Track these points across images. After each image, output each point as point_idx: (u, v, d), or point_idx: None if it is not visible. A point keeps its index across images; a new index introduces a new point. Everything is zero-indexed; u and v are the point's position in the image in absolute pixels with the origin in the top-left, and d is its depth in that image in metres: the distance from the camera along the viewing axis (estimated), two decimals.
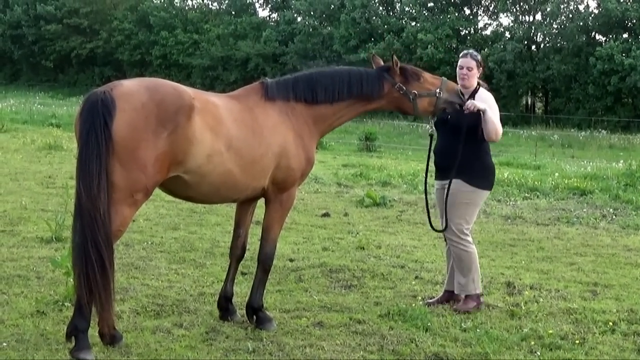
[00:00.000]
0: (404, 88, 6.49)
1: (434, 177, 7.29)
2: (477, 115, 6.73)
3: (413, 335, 6.27)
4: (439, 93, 6.54)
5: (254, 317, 6.39)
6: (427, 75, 6.65)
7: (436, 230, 7.32)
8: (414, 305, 7.03)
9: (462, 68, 7.00)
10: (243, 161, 5.85)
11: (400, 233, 10.81)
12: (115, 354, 5.58)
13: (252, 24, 54.82)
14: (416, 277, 8.16)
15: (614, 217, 12.70)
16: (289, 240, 9.77)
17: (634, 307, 7.24)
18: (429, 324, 6.51)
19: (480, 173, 6.92)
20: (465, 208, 6.87)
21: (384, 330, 6.39)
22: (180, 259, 8.65)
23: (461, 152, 6.75)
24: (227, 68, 53.56)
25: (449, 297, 7.14)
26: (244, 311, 6.53)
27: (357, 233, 10.59)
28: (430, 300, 7.12)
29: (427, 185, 7.68)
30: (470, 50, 7.26)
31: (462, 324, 6.58)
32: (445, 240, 7.23)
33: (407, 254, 9.36)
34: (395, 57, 6.55)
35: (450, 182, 6.87)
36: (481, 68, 7.06)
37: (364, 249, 9.54)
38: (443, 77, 6.72)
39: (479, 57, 7.10)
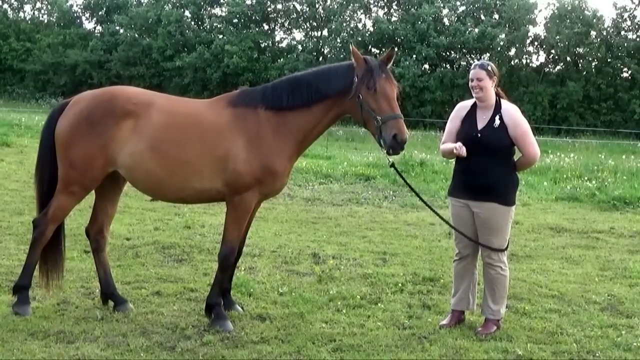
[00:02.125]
0: (356, 82, 5.93)
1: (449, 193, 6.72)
2: (507, 135, 6.25)
3: (239, 300, 7.03)
4: (379, 121, 5.81)
5: (211, 314, 6.40)
6: (382, 95, 5.86)
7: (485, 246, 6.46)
8: (238, 274, 7.50)
9: (472, 80, 6.30)
10: (168, 162, 6.14)
11: (220, 214, 11.12)
12: None
13: (80, 35, 59.69)
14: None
15: (394, 198, 14.82)
16: (124, 222, 10.62)
17: (417, 271, 8.47)
18: (251, 290, 7.37)
19: (512, 190, 6.41)
20: (505, 228, 6.37)
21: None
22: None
23: (496, 171, 6.27)
24: (57, 73, 57.62)
25: (460, 317, 6.66)
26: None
27: (184, 215, 11.49)
28: (444, 323, 6.57)
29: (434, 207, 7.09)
30: (480, 62, 6.48)
31: (279, 289, 7.50)
32: (458, 258, 6.66)
33: None
34: (353, 47, 6.10)
35: (457, 201, 6.50)
36: (495, 77, 6.31)
37: (190, 228, 10.56)
38: (398, 113, 5.84)
39: (490, 66, 6.34)
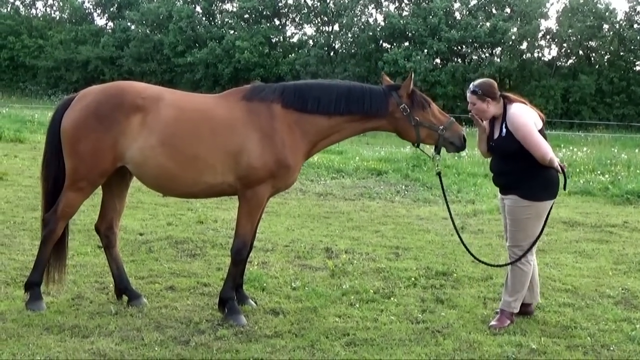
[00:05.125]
0: (408, 111, 6.33)
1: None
2: (515, 140, 6.29)
3: (253, 294, 7.07)
4: (442, 130, 6.36)
5: (224, 308, 6.43)
6: (435, 109, 6.45)
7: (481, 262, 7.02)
8: (251, 269, 7.71)
9: (469, 104, 6.53)
10: (180, 156, 6.11)
11: (233, 209, 11.39)
12: None
13: (91, 31, 60.25)
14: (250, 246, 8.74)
15: (406, 192, 14.85)
16: (137, 217, 10.71)
17: (430, 265, 8.48)
18: (264, 285, 7.41)
19: (537, 187, 6.35)
20: (527, 223, 6.41)
21: None
22: None
23: (515, 171, 6.36)
24: (69, 69, 58.37)
25: (525, 310, 6.70)
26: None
27: (196, 210, 11.54)
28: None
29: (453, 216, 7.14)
30: (472, 85, 6.53)
31: (292, 284, 7.50)
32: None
33: None
34: (412, 76, 6.38)
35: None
36: (489, 96, 6.38)
37: (203, 223, 10.60)
38: (452, 118, 6.49)
39: (479, 89, 6.42)
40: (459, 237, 6.94)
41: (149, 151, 6.10)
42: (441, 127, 6.37)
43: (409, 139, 6.51)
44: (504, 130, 6.39)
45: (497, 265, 7.29)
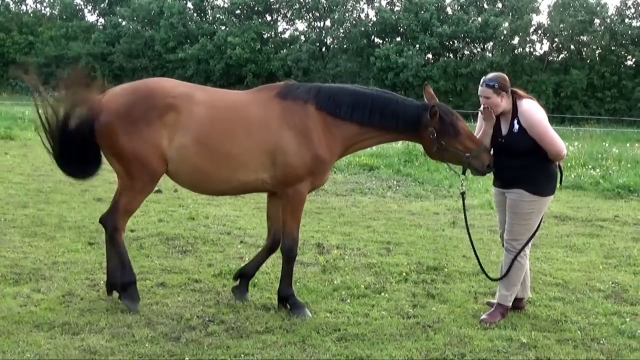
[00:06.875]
0: (435, 134, 6.24)
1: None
2: (529, 137, 6.26)
3: None
4: (468, 158, 6.29)
5: (287, 305, 6.51)
6: (465, 136, 6.30)
7: (490, 278, 6.91)
8: (241, 265, 7.52)
9: (480, 97, 6.43)
10: (214, 155, 6.11)
11: (224, 205, 11.68)
12: None
13: (82, 27, 60.06)
14: (241, 242, 9.22)
15: (397, 187, 14.82)
16: None
17: (421, 260, 8.49)
18: (256, 280, 7.31)
19: (542, 182, 6.36)
20: (529, 218, 6.40)
21: (219, 288, 7.19)
22: (32, 233, 9.11)
23: (523, 166, 6.31)
24: (60, 66, 57.46)
25: (517, 304, 6.74)
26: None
27: (188, 206, 11.54)
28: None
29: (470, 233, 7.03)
30: (485, 77, 6.50)
31: None
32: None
33: (231, 222, 10.42)
34: (435, 108, 6.21)
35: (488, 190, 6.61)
36: (504, 90, 6.32)
37: (194, 219, 10.56)
38: (483, 145, 6.35)
39: (496, 83, 6.33)
40: (477, 258, 6.86)
41: (183, 150, 6.08)
42: (467, 155, 6.29)
43: (432, 158, 6.63)
44: (516, 126, 6.33)
45: (505, 274, 6.64)
